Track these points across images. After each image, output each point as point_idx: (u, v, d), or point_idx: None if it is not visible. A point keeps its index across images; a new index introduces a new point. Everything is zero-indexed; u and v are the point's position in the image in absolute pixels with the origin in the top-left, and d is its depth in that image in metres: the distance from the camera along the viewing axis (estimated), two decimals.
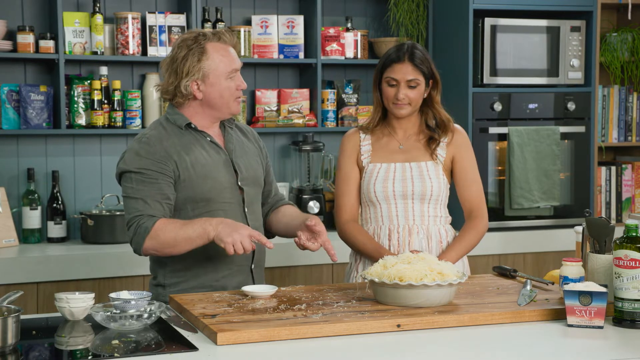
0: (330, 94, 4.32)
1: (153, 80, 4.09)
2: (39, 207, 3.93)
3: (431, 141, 2.86)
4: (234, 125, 2.78)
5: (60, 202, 3.95)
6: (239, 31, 4.16)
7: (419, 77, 2.81)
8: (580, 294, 2.21)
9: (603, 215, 4.54)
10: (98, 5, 3.96)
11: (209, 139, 2.67)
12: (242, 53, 4.17)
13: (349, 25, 4.36)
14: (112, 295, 2.30)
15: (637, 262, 2.21)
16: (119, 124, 3.99)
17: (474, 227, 2.85)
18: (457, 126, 2.92)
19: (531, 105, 4.28)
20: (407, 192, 2.82)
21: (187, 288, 2.63)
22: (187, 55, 2.59)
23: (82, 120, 3.96)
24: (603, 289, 2.21)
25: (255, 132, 2.89)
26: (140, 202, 2.55)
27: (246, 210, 2.67)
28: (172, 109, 2.68)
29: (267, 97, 4.28)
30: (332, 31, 4.30)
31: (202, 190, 2.60)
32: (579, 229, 2.56)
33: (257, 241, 2.47)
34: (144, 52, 4.06)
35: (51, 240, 3.93)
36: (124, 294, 2.31)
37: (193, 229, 2.49)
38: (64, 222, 3.95)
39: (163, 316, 2.31)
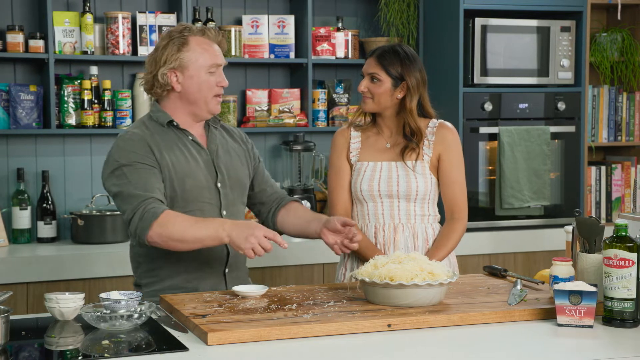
0: (321, 94, 4.32)
1: None
2: (29, 207, 3.92)
3: (406, 150, 2.85)
4: (219, 126, 2.76)
5: (50, 202, 3.93)
6: (230, 31, 4.16)
7: (380, 73, 2.82)
8: (570, 293, 2.22)
9: (593, 214, 4.55)
10: (88, 4, 3.95)
11: (190, 137, 2.65)
12: (233, 53, 4.17)
13: (339, 25, 4.36)
14: (102, 295, 2.30)
15: (627, 262, 2.21)
16: (109, 123, 3.98)
17: (455, 230, 2.85)
18: (447, 124, 2.91)
19: (521, 105, 4.29)
20: (393, 191, 2.83)
21: (161, 289, 2.62)
22: (167, 45, 2.60)
23: (72, 120, 3.95)
24: (593, 289, 2.22)
25: (244, 134, 2.86)
26: (140, 189, 2.49)
27: (223, 212, 2.65)
28: (155, 106, 2.67)
29: (258, 97, 4.28)
30: (322, 31, 4.30)
31: (181, 189, 2.59)
32: (569, 228, 2.56)
33: (272, 241, 2.41)
34: (134, 51, 4.05)
35: (41, 241, 3.92)
36: (114, 294, 2.31)
37: (205, 229, 2.43)
38: (54, 222, 3.93)
39: (153, 316, 2.30)
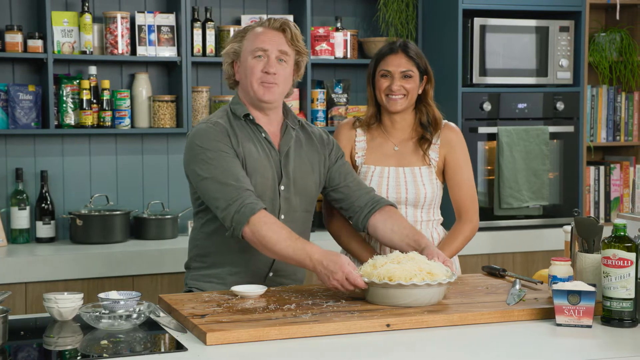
0: (319, 94, 4.32)
1: (142, 79, 4.09)
2: (28, 207, 3.92)
3: (422, 140, 2.84)
4: (297, 127, 2.70)
5: (48, 202, 3.93)
6: (228, 31, 4.15)
7: (413, 69, 2.79)
8: (569, 293, 2.22)
9: (592, 214, 4.55)
10: (87, 4, 3.95)
11: (263, 134, 2.62)
12: None
13: (338, 25, 4.36)
14: (101, 295, 2.30)
15: (626, 262, 2.21)
16: (108, 123, 3.98)
17: (461, 232, 2.83)
18: (451, 124, 2.90)
19: (520, 105, 4.29)
20: (401, 198, 2.81)
21: (206, 274, 2.64)
22: (232, 38, 2.66)
23: (70, 120, 3.95)
24: (591, 288, 2.22)
25: (326, 134, 2.77)
26: (231, 179, 2.47)
27: (282, 217, 2.60)
28: (235, 98, 2.68)
29: None
30: (321, 31, 4.30)
31: None
32: (568, 228, 2.56)
33: (352, 283, 2.35)
34: (133, 51, 4.05)
35: (40, 241, 3.92)
36: (113, 294, 2.31)
37: (294, 250, 2.41)
38: (52, 222, 3.93)
39: (152, 316, 2.30)
